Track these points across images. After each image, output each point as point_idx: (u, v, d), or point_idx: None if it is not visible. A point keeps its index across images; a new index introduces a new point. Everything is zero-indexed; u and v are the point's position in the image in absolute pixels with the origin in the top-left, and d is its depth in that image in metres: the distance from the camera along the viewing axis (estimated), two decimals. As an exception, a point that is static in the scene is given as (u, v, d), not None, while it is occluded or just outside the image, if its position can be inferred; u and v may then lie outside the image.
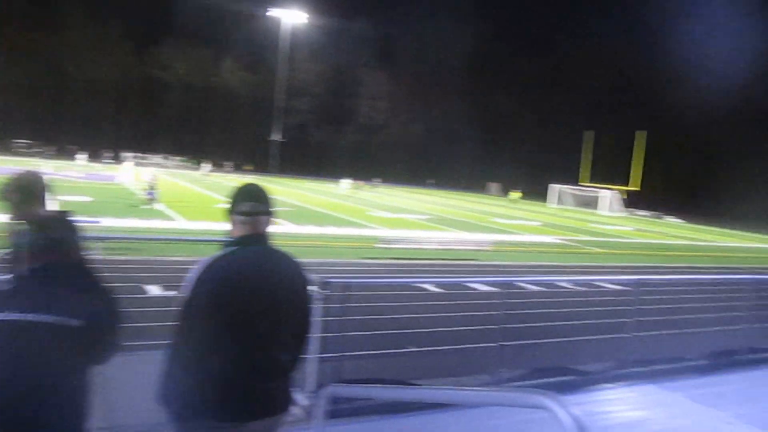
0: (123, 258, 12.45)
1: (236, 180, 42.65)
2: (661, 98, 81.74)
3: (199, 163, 61.90)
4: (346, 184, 46.11)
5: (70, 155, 57.52)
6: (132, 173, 38.07)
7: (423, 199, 49.65)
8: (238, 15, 78.49)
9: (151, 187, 24.08)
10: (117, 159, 57.50)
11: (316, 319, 4.82)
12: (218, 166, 60.81)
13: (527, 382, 5.84)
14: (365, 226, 24.28)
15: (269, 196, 2.56)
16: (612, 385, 6.14)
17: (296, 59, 76.60)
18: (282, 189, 43.81)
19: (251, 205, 2.47)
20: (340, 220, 25.97)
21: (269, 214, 2.52)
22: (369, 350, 7.93)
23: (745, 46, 74.97)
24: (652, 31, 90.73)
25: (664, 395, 5.93)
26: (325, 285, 4.73)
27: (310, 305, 2.55)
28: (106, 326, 2.30)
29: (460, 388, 3.78)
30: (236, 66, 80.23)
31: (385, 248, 16.40)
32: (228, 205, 2.52)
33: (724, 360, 7.29)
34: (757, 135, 73.64)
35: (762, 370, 7.21)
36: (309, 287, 2.54)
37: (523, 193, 56.09)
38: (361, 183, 51.40)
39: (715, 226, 51.59)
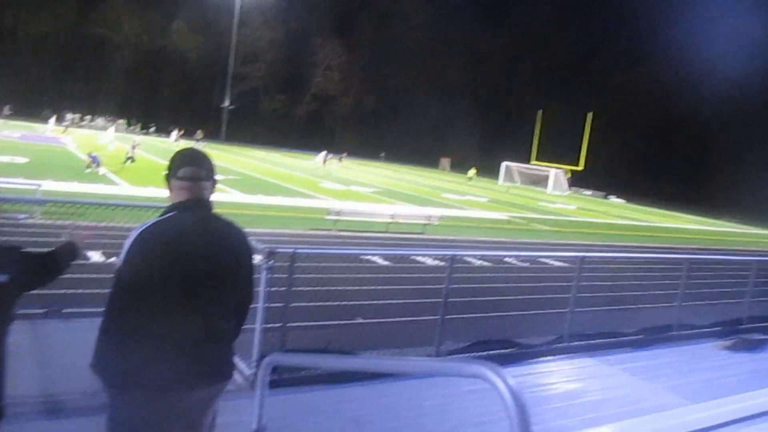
0: (65, 222, 12.03)
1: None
2: (609, 80, 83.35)
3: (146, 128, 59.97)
4: (320, 157, 45.03)
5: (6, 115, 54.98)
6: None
7: (374, 172, 49.60)
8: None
9: (130, 157, 25.60)
10: (59, 120, 55.13)
11: (261, 288, 4.77)
12: (189, 133, 58.43)
13: (470, 355, 5.94)
14: (315, 197, 24.13)
15: (210, 161, 2.47)
16: (552, 358, 6.31)
17: (249, 25, 74.78)
18: (232, 157, 43.06)
19: (190, 170, 2.37)
20: (291, 190, 25.72)
21: (210, 179, 2.43)
22: (315, 321, 7.93)
23: (689, 30, 76.80)
24: (603, 12, 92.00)
25: (601, 368, 6.13)
26: (270, 254, 4.68)
27: (253, 274, 2.50)
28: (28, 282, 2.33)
29: (400, 357, 3.81)
30: (187, 28, 77.72)
31: (335, 220, 16.33)
32: (167, 170, 2.42)
33: (659, 335, 7.57)
34: (698, 120, 76.10)
35: (693, 345, 7.53)
36: (252, 256, 2.47)
37: (477, 170, 56.47)
38: (332, 156, 49.92)
39: (656, 207, 53.30)
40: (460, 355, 5.95)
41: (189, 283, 2.17)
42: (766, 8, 64.82)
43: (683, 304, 8.02)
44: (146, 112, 71.49)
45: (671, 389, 5.72)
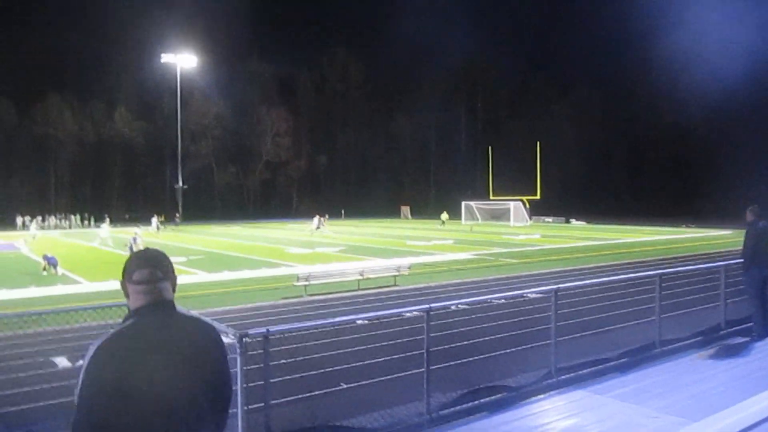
0: (27, 332, 11.60)
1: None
2: (550, 109, 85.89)
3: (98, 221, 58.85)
4: (315, 223, 44.59)
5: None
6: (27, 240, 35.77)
7: (337, 230, 49.51)
8: (127, 64, 76.63)
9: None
10: (11, 224, 53.85)
11: (238, 371, 4.63)
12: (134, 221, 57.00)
13: (462, 407, 5.83)
14: (282, 265, 23.88)
15: (167, 259, 2.39)
16: (543, 396, 6.23)
17: (192, 103, 75.22)
18: (192, 236, 42.56)
19: (147, 272, 2.27)
20: (256, 261, 25.42)
21: (169, 279, 2.34)
22: (298, 394, 7.73)
23: (623, 51, 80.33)
24: (534, 43, 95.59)
25: (592, 399, 6.07)
26: (242, 338, 4.56)
27: (227, 369, 2.38)
28: None
29: None
30: (130, 116, 77.67)
31: (305, 285, 16.15)
32: (122, 275, 2.33)
33: (643, 354, 7.58)
34: (642, 136, 78.79)
35: (677, 360, 7.54)
36: (224, 351, 2.36)
37: (448, 213, 56.97)
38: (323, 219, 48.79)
39: (615, 224, 54.32)
40: (452, 409, 5.84)
41: (153, 400, 2.05)
42: (683, 26, 68.24)
43: (662, 317, 8.08)
44: (98, 203, 70.44)
45: (664, 409, 5.68)
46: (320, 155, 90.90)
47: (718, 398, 5.87)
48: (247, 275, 20.83)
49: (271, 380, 5.34)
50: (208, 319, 2.49)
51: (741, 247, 9.06)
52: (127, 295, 2.32)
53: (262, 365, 5.05)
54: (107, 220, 43.23)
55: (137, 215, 64.04)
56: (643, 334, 8.31)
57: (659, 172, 76.34)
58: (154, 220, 49.71)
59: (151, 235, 43.12)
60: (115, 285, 17.22)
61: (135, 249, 24.85)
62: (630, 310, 11.63)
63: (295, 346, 9.47)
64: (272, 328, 5.00)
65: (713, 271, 9.60)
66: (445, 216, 55.78)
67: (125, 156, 78.33)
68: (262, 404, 5.09)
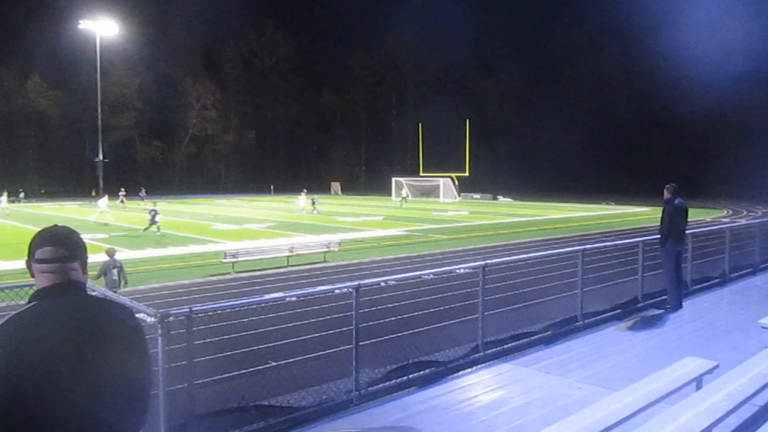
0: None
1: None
2: (481, 86, 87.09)
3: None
4: (302, 200, 42.16)
5: None
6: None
7: (266, 206, 48.79)
8: (41, 30, 72.28)
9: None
10: None
11: (159, 352, 4.44)
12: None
13: (391, 382, 5.82)
14: (209, 242, 23.32)
15: (77, 238, 2.19)
16: (470, 370, 6.31)
17: (112, 73, 71.78)
18: (113, 213, 40.93)
19: (50, 250, 2.07)
20: (182, 238, 24.72)
21: (78, 259, 2.14)
22: (225, 374, 7.56)
23: (549, 31, 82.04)
24: (464, 23, 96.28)
25: (518, 371, 6.19)
26: (164, 317, 4.36)
27: (145, 354, 2.22)
28: None
29: None
30: (45, 85, 73.38)
31: (232, 262, 15.81)
32: (27, 254, 2.12)
33: (566, 327, 7.79)
34: (566, 116, 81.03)
35: (598, 332, 7.80)
36: (140, 335, 2.20)
37: (368, 188, 57.01)
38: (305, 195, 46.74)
39: (540, 201, 55.88)
40: (381, 385, 5.82)
41: (57, 384, 1.89)
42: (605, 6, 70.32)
43: (584, 290, 8.31)
44: (9, 178, 66.61)
45: (586, 380, 5.86)
46: (248, 130, 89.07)
47: (637, 368, 6.10)
48: (172, 252, 20.24)
49: (196, 360, 5.17)
50: (124, 302, 2.32)
51: (658, 224, 9.43)
52: (32, 276, 2.12)
53: (182, 345, 4.86)
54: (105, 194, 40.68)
55: (52, 190, 61.05)
56: (567, 308, 8.53)
57: (582, 151, 78.91)
58: (121, 193, 47.84)
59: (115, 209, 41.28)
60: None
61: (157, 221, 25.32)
62: (554, 284, 11.95)
63: (221, 324, 9.25)
64: (196, 307, 4.81)
65: (632, 246, 9.95)
66: (405, 192, 55.72)
67: (40, 127, 74.18)
68: (186, 385, 4.91)
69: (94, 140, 65.04)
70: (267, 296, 5.70)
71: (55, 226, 2.22)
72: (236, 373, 7.74)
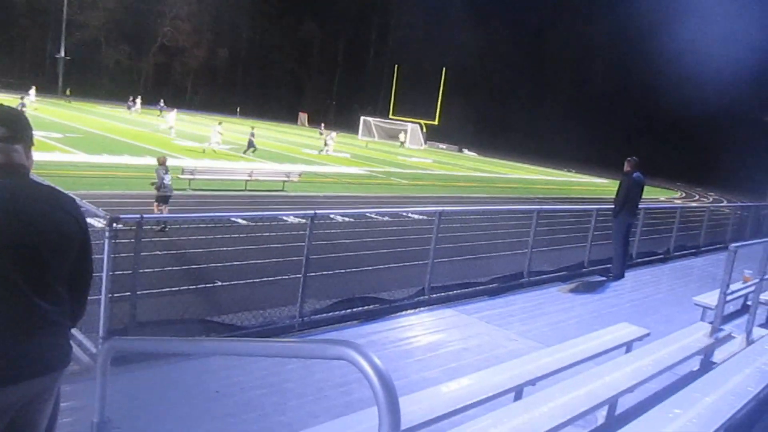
0: None
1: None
2: (464, 37, 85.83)
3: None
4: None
5: None
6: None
7: (230, 128, 47.81)
8: None
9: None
10: None
11: (105, 257, 4.39)
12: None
13: (334, 314, 5.90)
14: (167, 156, 22.82)
15: (22, 119, 2.11)
16: (413, 311, 6.44)
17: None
18: (72, 113, 39.62)
19: None
20: (140, 149, 24.14)
21: (22, 141, 2.07)
22: (170, 287, 7.53)
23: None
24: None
25: (460, 318, 6.34)
26: (113, 221, 4.28)
27: (88, 246, 2.18)
28: None
29: (257, 340, 3.62)
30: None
31: (189, 179, 15.57)
32: None
33: (512, 282, 7.98)
34: (542, 79, 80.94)
35: (541, 291, 8.02)
36: (84, 225, 2.15)
37: (336, 125, 56.34)
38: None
39: (504, 159, 56.29)
40: (325, 314, 5.90)
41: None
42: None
43: (533, 250, 8.49)
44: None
45: (523, 334, 6.05)
46: (222, 47, 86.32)
47: (573, 328, 6.32)
48: (128, 161, 19.81)
49: (142, 271, 5.14)
50: (68, 192, 2.25)
51: (613, 196, 9.61)
52: None
53: (132, 254, 4.81)
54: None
55: (11, 81, 58.45)
56: (515, 265, 8.72)
57: (554, 116, 79.22)
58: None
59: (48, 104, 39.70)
60: None
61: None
62: (506, 241, 12.18)
63: (172, 239, 9.18)
64: (148, 216, 4.74)
65: (586, 213, 10.16)
66: (402, 136, 55.49)
67: (2, 9, 70.35)
68: (129, 293, 4.88)
69: (56, 35, 62.18)
70: (219, 214, 5.64)
71: (2, 105, 2.13)
72: (183, 288, 7.72)
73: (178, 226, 9.29)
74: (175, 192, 15.04)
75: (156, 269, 7.72)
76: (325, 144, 34.97)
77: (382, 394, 1.19)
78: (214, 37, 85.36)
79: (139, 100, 51.60)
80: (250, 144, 26.90)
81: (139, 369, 4.28)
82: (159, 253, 8.40)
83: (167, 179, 11.85)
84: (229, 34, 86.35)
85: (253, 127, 29.24)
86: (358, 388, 4.25)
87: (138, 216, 4.60)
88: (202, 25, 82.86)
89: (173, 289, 7.50)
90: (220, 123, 28.20)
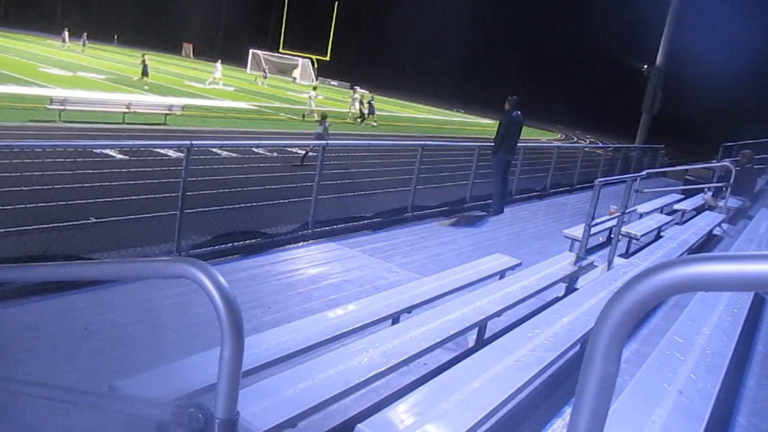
0: None
1: None
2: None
3: None
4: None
5: None
6: None
7: (106, 57, 44.64)
8: None
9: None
10: None
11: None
12: None
13: (214, 248, 5.77)
14: (34, 84, 21.04)
15: None
16: (296, 245, 6.41)
17: None
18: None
19: None
20: (2, 76, 22.05)
21: None
22: (36, 224, 7.03)
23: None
24: None
25: (343, 251, 6.39)
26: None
27: None
28: None
29: (93, 262, 3.41)
30: None
31: (59, 110, 14.45)
32: None
33: (396, 217, 8.12)
34: (434, 18, 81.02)
35: (424, 225, 8.23)
36: None
37: (222, 57, 53.72)
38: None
39: (395, 99, 56.43)
40: (204, 249, 5.74)
41: None
42: None
43: (417, 187, 8.65)
44: None
45: (404, 266, 6.20)
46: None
47: (453, 260, 6.55)
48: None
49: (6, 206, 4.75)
50: None
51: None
52: None
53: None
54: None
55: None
56: (400, 200, 8.86)
57: (445, 56, 79.85)
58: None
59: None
60: None
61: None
62: (392, 178, 12.32)
63: (43, 174, 8.52)
64: (12, 143, 4.35)
65: (468, 150, 10.43)
66: (296, 72, 53.57)
67: None
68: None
69: None
70: (85, 142, 5.29)
71: None
72: (51, 225, 7.22)
73: (48, 159, 8.63)
74: (44, 123, 13.98)
75: (17, 206, 7.19)
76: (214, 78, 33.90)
77: (223, 310, 1.15)
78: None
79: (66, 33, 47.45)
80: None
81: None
82: (26, 188, 7.80)
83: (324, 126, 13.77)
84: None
85: (144, 54, 27.67)
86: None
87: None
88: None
89: (42, 226, 7.01)
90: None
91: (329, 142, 7.13)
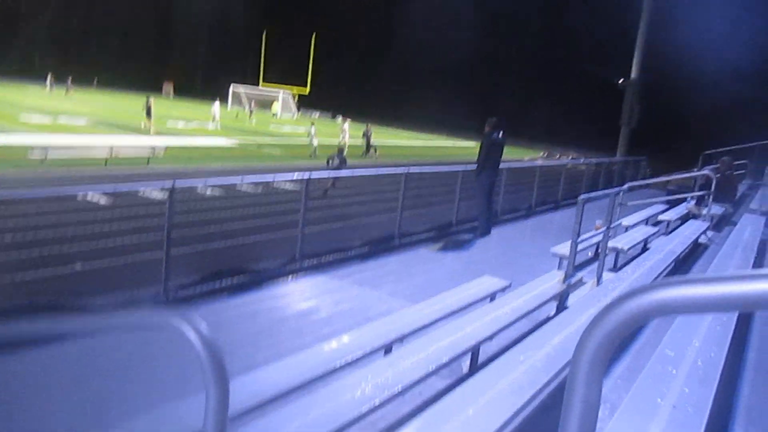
0: None
1: None
2: (331, 1, 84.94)
3: None
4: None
5: None
6: None
7: (86, 99, 44.67)
8: None
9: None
10: None
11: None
12: None
13: (203, 288, 5.74)
14: (14, 132, 20.97)
15: None
16: (285, 280, 6.39)
17: None
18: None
19: None
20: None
21: None
22: (23, 273, 6.98)
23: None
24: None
25: (332, 283, 6.38)
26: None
27: None
28: None
29: (70, 316, 3.37)
30: None
31: (41, 158, 14.42)
32: None
33: (383, 246, 8.13)
34: (411, 45, 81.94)
35: (411, 252, 8.24)
36: None
37: (204, 94, 54.01)
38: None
39: (378, 125, 56.76)
40: (195, 288, 5.71)
41: None
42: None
43: (404, 214, 8.68)
44: None
45: (393, 294, 6.19)
46: (73, 8, 79.77)
47: (441, 285, 6.53)
48: None
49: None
50: None
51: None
52: None
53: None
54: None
55: None
56: (387, 227, 8.87)
57: (424, 81, 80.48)
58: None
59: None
60: None
61: None
62: (378, 205, 12.33)
63: (30, 222, 8.46)
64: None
65: (452, 174, 10.49)
66: (276, 106, 53.75)
67: None
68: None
69: None
70: (73, 188, 5.28)
71: None
72: (36, 273, 7.16)
73: (28, 206, 8.58)
74: (25, 171, 13.92)
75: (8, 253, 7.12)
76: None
77: (208, 361, 1.15)
78: (63, 2, 78.74)
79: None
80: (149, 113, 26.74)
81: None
82: (9, 237, 7.74)
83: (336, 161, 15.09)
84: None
85: (148, 96, 27.93)
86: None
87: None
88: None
89: (28, 275, 6.95)
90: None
91: (310, 175, 7.15)
